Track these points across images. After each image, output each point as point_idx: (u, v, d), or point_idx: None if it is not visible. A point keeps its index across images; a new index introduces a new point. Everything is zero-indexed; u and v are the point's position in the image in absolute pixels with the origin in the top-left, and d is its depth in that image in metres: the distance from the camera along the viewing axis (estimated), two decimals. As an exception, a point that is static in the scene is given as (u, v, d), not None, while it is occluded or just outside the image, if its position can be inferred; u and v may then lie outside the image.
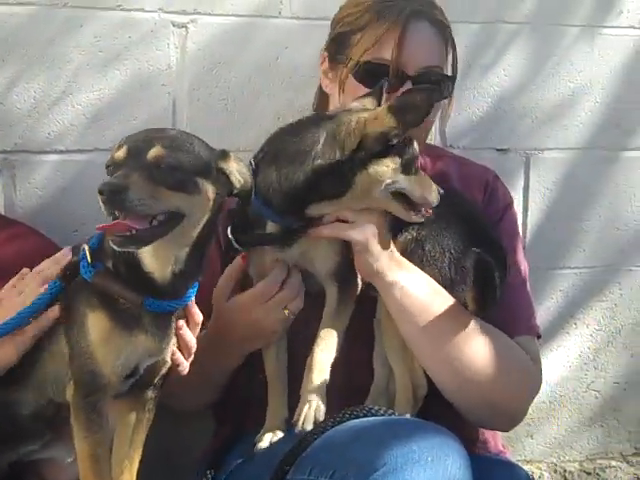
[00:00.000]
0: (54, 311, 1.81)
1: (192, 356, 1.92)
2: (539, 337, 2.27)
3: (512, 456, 2.49)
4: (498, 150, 2.95)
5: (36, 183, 2.55)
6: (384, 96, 2.07)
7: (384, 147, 1.92)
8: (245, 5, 2.66)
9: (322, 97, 2.38)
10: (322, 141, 1.93)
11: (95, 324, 1.75)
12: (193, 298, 1.87)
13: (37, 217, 2.50)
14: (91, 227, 1.80)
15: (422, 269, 2.04)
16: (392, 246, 2.01)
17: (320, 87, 2.38)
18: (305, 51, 2.70)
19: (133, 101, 2.58)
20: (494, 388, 2.06)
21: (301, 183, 1.92)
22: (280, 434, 2.05)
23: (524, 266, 2.30)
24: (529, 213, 2.99)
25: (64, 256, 1.88)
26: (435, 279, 2.04)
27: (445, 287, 2.04)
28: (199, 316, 1.91)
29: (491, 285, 1.97)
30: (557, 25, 2.96)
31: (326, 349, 1.98)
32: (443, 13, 2.23)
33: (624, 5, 3.00)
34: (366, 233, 1.96)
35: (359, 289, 2.08)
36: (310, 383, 1.94)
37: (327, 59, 2.29)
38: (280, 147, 1.99)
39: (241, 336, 2.07)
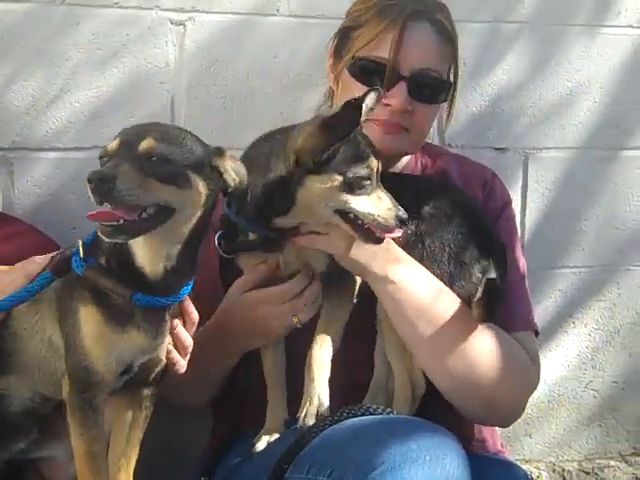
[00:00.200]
0: None
1: (188, 355, 1.92)
2: (537, 334, 2.27)
3: (510, 455, 2.49)
4: (496, 149, 2.95)
5: (34, 181, 2.55)
6: (365, 105, 1.92)
7: (317, 164, 1.86)
8: (243, 3, 2.66)
9: (330, 94, 2.37)
10: (275, 155, 1.92)
11: (87, 319, 1.75)
12: (187, 297, 1.86)
13: (35, 214, 2.50)
14: (89, 225, 1.80)
15: (421, 263, 2.03)
16: (390, 242, 1.99)
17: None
18: (303, 49, 2.71)
19: (131, 99, 2.58)
20: (492, 386, 2.06)
21: (260, 196, 1.90)
22: (278, 436, 2.04)
23: (522, 263, 2.30)
24: (527, 212, 2.99)
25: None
26: (434, 274, 2.04)
27: (444, 282, 2.04)
28: (195, 315, 1.90)
29: (499, 300, 2.00)
30: (556, 25, 2.96)
31: (325, 346, 1.98)
32: (448, 16, 2.21)
33: (623, 5, 3.00)
34: (340, 246, 1.95)
35: (357, 286, 2.07)
36: (311, 380, 1.94)
37: (332, 54, 2.29)
38: (250, 157, 1.98)
39: (244, 333, 2.05)
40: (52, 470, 2.04)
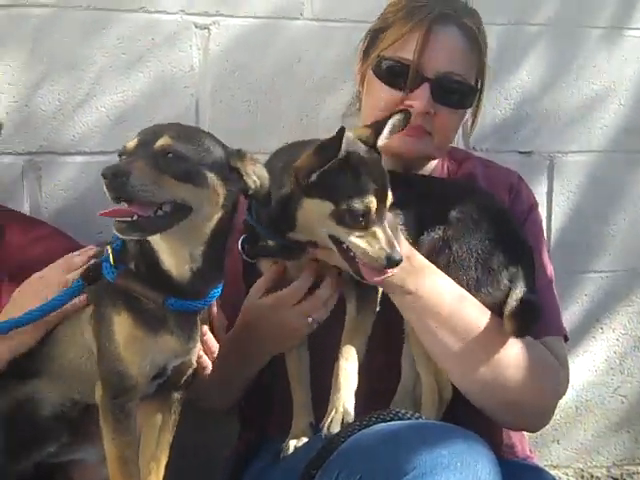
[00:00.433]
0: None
1: (214, 358, 1.93)
2: (566, 339, 2.25)
3: (538, 461, 2.46)
4: (521, 153, 2.93)
5: (61, 184, 2.56)
6: (386, 129, 1.92)
7: (307, 186, 1.83)
8: (267, 7, 2.66)
9: (359, 96, 2.35)
10: (287, 171, 1.89)
11: (120, 325, 1.76)
12: (215, 302, 1.87)
13: (62, 218, 2.52)
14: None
15: (448, 269, 2.01)
16: (412, 251, 1.98)
17: None
18: (327, 52, 2.71)
19: (156, 103, 2.59)
20: (520, 392, 2.04)
21: (273, 210, 1.88)
22: (305, 440, 2.03)
23: (550, 267, 2.28)
24: (553, 216, 2.97)
25: (89, 250, 1.90)
26: (460, 280, 2.02)
27: (470, 288, 2.02)
28: (223, 320, 1.91)
29: (535, 319, 1.99)
30: (581, 27, 2.94)
31: (350, 356, 1.97)
32: (477, 21, 2.19)
33: (648, 7, 2.98)
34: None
35: (380, 294, 2.05)
36: (338, 389, 1.92)
37: (361, 56, 2.28)
38: (270, 167, 1.94)
39: (266, 335, 2.05)
40: (82, 473, 2.04)
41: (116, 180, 1.58)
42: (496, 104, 2.87)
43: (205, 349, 1.90)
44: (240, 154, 1.77)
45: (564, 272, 2.85)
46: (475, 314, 2.01)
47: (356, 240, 1.81)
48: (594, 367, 3.10)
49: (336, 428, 1.86)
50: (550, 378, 2.12)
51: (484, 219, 2.08)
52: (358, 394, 1.94)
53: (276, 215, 1.89)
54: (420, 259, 2.00)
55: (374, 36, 2.23)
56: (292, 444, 2.03)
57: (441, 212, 2.07)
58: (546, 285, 2.22)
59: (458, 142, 2.75)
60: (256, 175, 1.77)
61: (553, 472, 2.85)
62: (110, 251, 1.79)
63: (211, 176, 1.70)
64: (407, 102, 2.11)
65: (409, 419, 1.84)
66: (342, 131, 1.78)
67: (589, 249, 3.03)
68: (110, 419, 1.76)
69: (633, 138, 3.02)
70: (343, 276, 2.01)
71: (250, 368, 2.14)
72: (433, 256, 2.02)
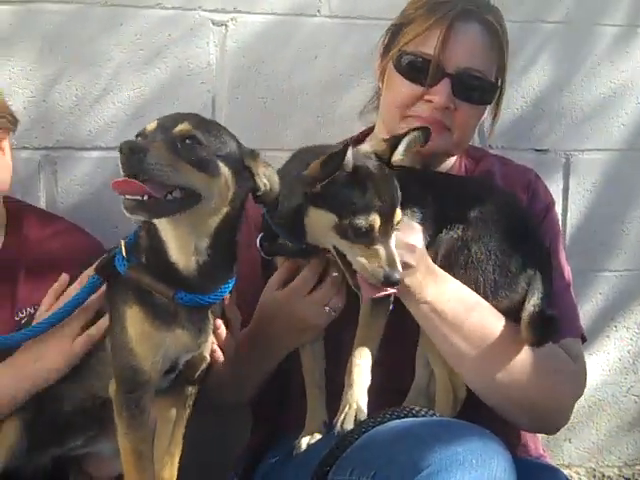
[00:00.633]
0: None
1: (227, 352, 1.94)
2: (584, 339, 2.24)
3: (551, 460, 2.46)
4: (537, 151, 2.92)
5: (77, 179, 2.58)
6: (402, 145, 1.89)
7: (312, 195, 1.83)
8: (284, 4, 2.66)
9: (378, 93, 2.35)
10: (297, 177, 1.89)
11: (132, 319, 1.77)
12: (229, 297, 1.87)
13: (77, 213, 2.53)
14: (131, 224, 1.82)
15: (466, 270, 2.01)
16: (426, 259, 1.97)
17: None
18: (344, 50, 2.71)
19: (173, 99, 2.59)
20: (538, 397, 2.03)
21: (285, 214, 1.89)
22: (319, 437, 2.03)
23: (567, 269, 2.28)
24: (568, 214, 2.96)
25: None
26: (477, 282, 2.01)
27: (487, 291, 2.01)
28: (238, 315, 1.91)
29: (554, 333, 2.00)
30: (597, 25, 2.93)
31: (363, 353, 1.97)
32: (499, 19, 2.19)
33: (666, 4, 2.96)
34: (407, 258, 1.90)
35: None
36: (350, 385, 1.92)
37: (381, 52, 2.28)
38: (286, 171, 1.96)
39: (283, 329, 2.05)
40: (97, 466, 2.06)
41: (133, 156, 1.58)
42: (512, 101, 2.86)
43: (219, 343, 1.90)
44: (254, 154, 1.78)
45: (579, 271, 2.83)
46: (490, 320, 2.01)
47: (357, 255, 1.81)
48: (607, 366, 3.09)
49: (349, 425, 1.86)
50: (567, 381, 2.11)
51: (504, 220, 2.07)
52: (371, 391, 1.94)
53: (288, 220, 1.89)
54: (434, 267, 1.99)
55: (395, 32, 2.23)
56: (305, 441, 2.03)
57: (460, 210, 2.06)
58: (564, 286, 2.22)
59: (474, 140, 2.74)
60: (267, 178, 1.78)
61: (565, 471, 2.82)
62: (122, 244, 1.80)
63: (225, 169, 1.71)
64: (427, 97, 2.12)
65: (423, 416, 1.84)
66: (346, 147, 1.77)
67: (604, 248, 3.02)
68: (124, 414, 1.77)
69: (649, 137, 3.01)
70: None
71: (267, 364, 2.14)
72: (452, 256, 2.01)
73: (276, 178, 1.80)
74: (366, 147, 1.90)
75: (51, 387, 1.89)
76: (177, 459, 1.93)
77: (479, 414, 2.00)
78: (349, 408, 1.89)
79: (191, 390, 1.93)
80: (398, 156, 1.87)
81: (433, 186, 2.10)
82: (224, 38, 2.62)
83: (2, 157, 2.13)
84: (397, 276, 1.79)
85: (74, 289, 1.90)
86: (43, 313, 1.93)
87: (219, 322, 1.88)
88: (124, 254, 1.79)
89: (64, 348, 1.85)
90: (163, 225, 1.73)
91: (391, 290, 1.84)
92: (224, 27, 2.62)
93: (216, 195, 1.70)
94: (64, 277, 1.96)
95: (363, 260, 1.80)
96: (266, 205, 1.83)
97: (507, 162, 2.42)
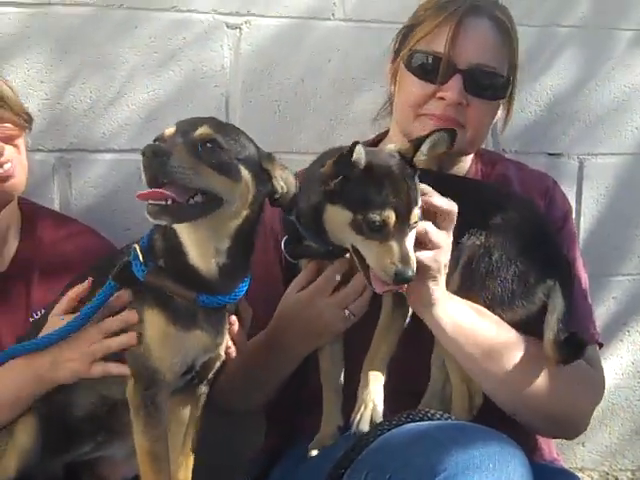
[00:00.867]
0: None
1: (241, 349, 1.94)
2: (601, 346, 2.24)
3: (564, 464, 2.45)
4: (551, 155, 2.92)
5: (91, 181, 2.58)
6: (425, 145, 1.87)
7: (328, 193, 1.83)
8: (298, 7, 2.67)
9: (390, 98, 2.35)
10: (317, 177, 1.89)
11: (153, 322, 1.77)
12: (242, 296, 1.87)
13: (91, 215, 2.53)
14: (144, 226, 1.82)
15: (485, 278, 1.99)
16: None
17: None
18: (357, 53, 2.71)
19: (187, 101, 2.60)
20: (557, 405, 2.02)
21: (307, 213, 1.89)
22: (333, 441, 2.02)
23: (584, 276, 2.27)
24: (582, 219, 2.95)
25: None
26: (495, 291, 1.99)
27: (503, 300, 2.00)
28: (250, 311, 1.92)
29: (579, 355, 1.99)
30: (612, 29, 2.92)
31: (380, 353, 1.97)
32: (507, 15, 2.19)
33: (680, 8, 2.96)
34: (440, 259, 1.88)
35: None
36: (366, 385, 1.92)
37: (392, 55, 2.28)
38: (309, 172, 1.96)
39: (301, 331, 2.04)
40: (111, 469, 2.06)
41: (156, 159, 1.59)
42: (526, 105, 2.86)
43: (233, 339, 1.90)
44: (270, 157, 1.79)
45: (592, 275, 2.77)
46: (508, 335, 2.00)
47: (370, 251, 1.80)
48: (621, 370, 3.08)
49: (365, 426, 1.86)
50: (587, 389, 2.11)
51: (524, 227, 2.06)
52: (386, 394, 1.93)
53: (309, 218, 1.89)
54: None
55: (406, 34, 2.24)
56: (320, 444, 2.03)
57: (481, 216, 2.04)
58: (581, 293, 2.21)
59: (487, 143, 2.74)
60: (283, 180, 1.79)
61: (578, 475, 2.83)
62: (138, 249, 1.79)
63: (245, 172, 1.71)
64: (439, 94, 2.12)
65: (439, 419, 1.83)
66: (355, 144, 1.77)
67: (617, 252, 3.01)
68: (142, 413, 1.77)
69: (663, 141, 3.00)
70: None
71: (282, 368, 2.13)
72: (473, 264, 2.00)
73: (292, 180, 1.81)
74: (391, 146, 1.90)
75: (61, 392, 1.89)
76: (192, 460, 1.93)
77: (493, 417, 1.98)
78: (365, 407, 1.89)
79: (204, 389, 1.93)
80: (421, 156, 1.86)
81: (453, 189, 2.09)
82: (238, 41, 2.62)
83: (18, 156, 2.13)
84: (409, 273, 1.77)
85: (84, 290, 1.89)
86: (53, 318, 1.92)
87: (233, 318, 1.88)
88: (141, 259, 1.78)
89: (80, 370, 1.84)
90: (183, 229, 1.73)
91: (402, 287, 1.83)
92: (238, 30, 2.62)
93: (237, 199, 1.71)
94: (90, 281, 1.92)
95: (376, 256, 1.79)
96: (283, 208, 1.84)
97: (523, 167, 2.41)
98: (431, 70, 2.13)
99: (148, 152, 1.59)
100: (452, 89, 2.10)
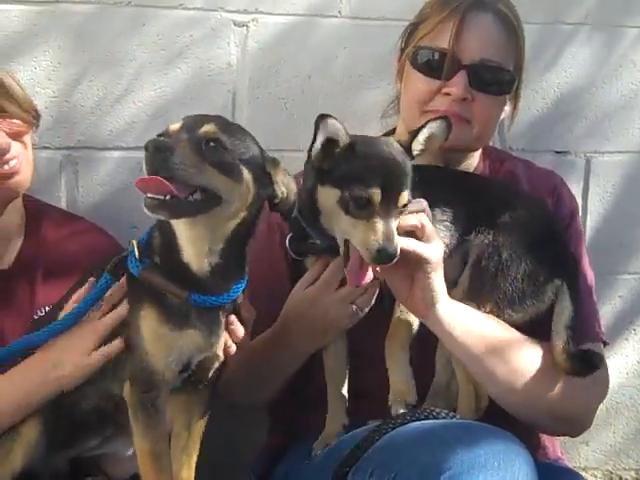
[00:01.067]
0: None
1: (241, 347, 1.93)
2: (605, 344, 2.24)
3: (568, 463, 2.45)
4: (557, 152, 2.91)
5: (98, 179, 2.59)
6: (422, 134, 1.89)
7: (319, 171, 1.85)
8: (305, 4, 2.67)
9: (397, 95, 2.35)
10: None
11: (146, 320, 1.77)
12: (243, 296, 1.87)
13: (98, 212, 2.54)
14: (150, 224, 1.84)
15: (495, 278, 2.00)
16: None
17: None
18: (364, 50, 2.71)
19: (194, 99, 2.60)
20: (562, 404, 2.03)
21: (305, 201, 1.89)
22: (338, 439, 2.02)
23: (590, 274, 2.28)
24: (588, 217, 2.95)
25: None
26: (505, 290, 2.00)
27: (514, 300, 2.01)
28: (252, 311, 1.92)
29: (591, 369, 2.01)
30: (618, 26, 2.91)
31: (398, 341, 1.98)
32: (512, 10, 2.19)
33: (688, 5, 2.95)
34: (438, 252, 1.89)
35: None
36: (395, 373, 1.94)
37: (398, 53, 2.29)
38: (306, 166, 1.97)
39: (308, 328, 2.04)
40: (115, 466, 2.06)
41: (158, 154, 1.59)
42: (532, 103, 2.85)
43: (232, 338, 1.89)
44: (275, 162, 1.79)
45: (598, 273, 2.77)
46: (510, 335, 2.01)
47: (355, 229, 1.79)
48: (625, 369, 3.08)
49: (401, 408, 1.89)
50: (592, 387, 2.11)
51: (534, 226, 2.06)
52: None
53: (307, 208, 1.90)
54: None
55: (411, 31, 2.24)
56: (324, 443, 2.04)
57: (490, 213, 2.05)
58: (586, 291, 2.21)
59: (494, 141, 2.74)
60: (285, 186, 1.79)
61: (582, 474, 2.83)
62: (135, 245, 1.80)
63: (247, 173, 1.71)
64: (444, 90, 2.12)
65: (444, 418, 1.84)
66: (319, 117, 1.80)
67: (624, 250, 3.00)
68: (140, 415, 1.77)
69: (671, 139, 2.99)
70: None
71: (287, 365, 2.14)
72: (482, 262, 2.01)
73: (294, 187, 1.81)
74: (390, 138, 1.92)
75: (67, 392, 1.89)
76: (194, 459, 1.93)
77: (497, 416, 2.00)
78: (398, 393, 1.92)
79: (206, 389, 1.92)
80: (419, 145, 1.87)
81: (462, 185, 2.10)
82: (245, 39, 2.62)
83: (25, 152, 2.13)
84: (391, 250, 1.75)
85: (85, 291, 1.90)
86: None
87: (232, 317, 1.87)
88: (137, 255, 1.79)
89: (81, 361, 1.85)
90: (180, 226, 1.73)
91: (371, 276, 1.81)
92: (245, 28, 2.62)
93: (237, 199, 1.71)
94: (92, 281, 1.94)
95: (361, 234, 1.77)
96: (282, 213, 1.83)
97: (531, 165, 2.41)
98: (436, 66, 2.13)
99: (151, 147, 1.59)
100: (457, 85, 2.11)
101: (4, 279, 2.18)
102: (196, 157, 1.63)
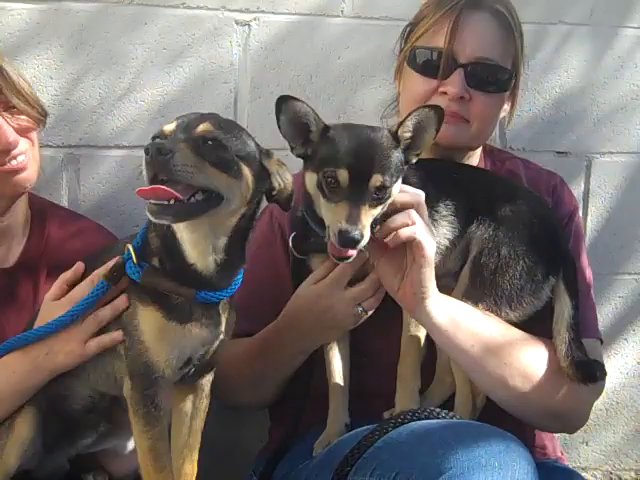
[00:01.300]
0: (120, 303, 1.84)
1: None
2: (601, 342, 2.25)
3: (568, 463, 2.45)
4: (558, 153, 2.92)
5: (99, 178, 2.59)
6: (409, 120, 1.87)
7: (305, 160, 1.87)
8: (307, 4, 2.67)
9: (397, 96, 2.36)
10: None
11: (149, 319, 1.77)
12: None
13: (99, 211, 2.55)
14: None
15: (495, 274, 2.00)
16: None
17: None
18: (366, 50, 2.71)
19: (196, 98, 2.60)
20: (557, 400, 2.03)
21: (304, 196, 1.90)
22: (339, 439, 2.02)
23: (589, 272, 2.28)
24: (589, 218, 2.95)
25: None
26: (504, 287, 2.00)
27: (512, 297, 2.01)
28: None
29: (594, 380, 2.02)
30: (620, 27, 2.91)
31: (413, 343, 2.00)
32: (510, 8, 2.18)
33: (690, 6, 2.95)
34: (431, 247, 1.88)
35: None
36: (403, 398, 1.97)
37: (397, 55, 2.29)
38: None
39: (312, 326, 2.04)
40: (113, 462, 2.07)
41: (159, 157, 1.58)
42: (533, 104, 2.86)
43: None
44: (269, 154, 1.79)
45: (598, 273, 2.80)
46: (504, 330, 2.01)
47: (327, 211, 1.80)
48: (625, 369, 3.08)
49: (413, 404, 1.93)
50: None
51: (534, 221, 2.06)
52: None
53: (306, 200, 1.90)
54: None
55: (409, 31, 2.25)
56: (325, 442, 2.04)
57: (490, 206, 2.05)
58: (585, 290, 2.22)
59: (495, 141, 2.74)
60: (280, 176, 1.79)
61: (581, 474, 2.84)
62: (131, 249, 1.79)
63: (246, 170, 1.71)
64: (442, 89, 2.13)
65: (444, 418, 1.84)
66: (279, 99, 1.83)
67: (624, 251, 3.01)
68: (141, 412, 1.77)
69: (671, 140, 2.99)
70: None
71: (291, 363, 2.13)
72: (482, 259, 2.01)
73: (289, 176, 1.81)
74: (380, 127, 1.93)
75: (58, 385, 1.90)
76: (197, 452, 1.93)
77: (496, 415, 2.00)
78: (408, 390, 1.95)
79: (206, 381, 1.92)
80: (407, 131, 1.85)
81: (463, 177, 2.10)
82: (247, 38, 2.62)
83: (32, 149, 2.14)
84: (353, 233, 1.72)
85: (85, 285, 1.90)
86: (48, 302, 1.93)
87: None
88: (134, 260, 1.78)
89: (75, 350, 1.85)
90: (180, 227, 1.73)
91: (350, 253, 1.78)
92: (247, 27, 2.62)
93: (237, 196, 1.71)
94: (79, 266, 1.95)
95: (330, 216, 1.78)
96: (280, 204, 1.83)
97: (531, 165, 2.42)
98: (432, 66, 2.14)
99: (152, 150, 1.58)
100: (454, 84, 2.11)
101: (8, 277, 2.19)
102: (196, 157, 1.63)
